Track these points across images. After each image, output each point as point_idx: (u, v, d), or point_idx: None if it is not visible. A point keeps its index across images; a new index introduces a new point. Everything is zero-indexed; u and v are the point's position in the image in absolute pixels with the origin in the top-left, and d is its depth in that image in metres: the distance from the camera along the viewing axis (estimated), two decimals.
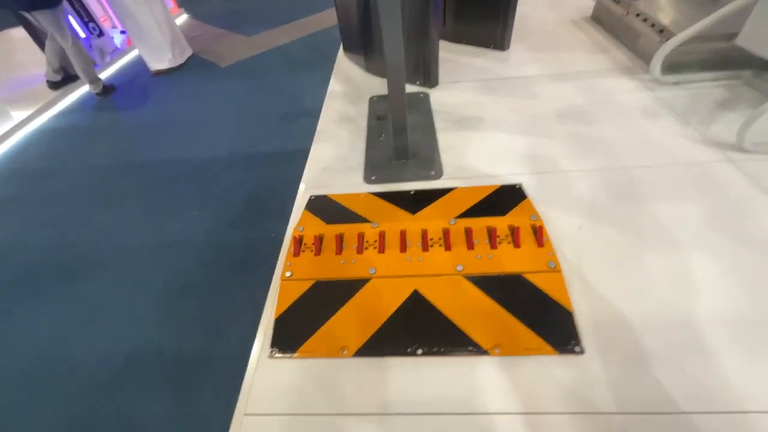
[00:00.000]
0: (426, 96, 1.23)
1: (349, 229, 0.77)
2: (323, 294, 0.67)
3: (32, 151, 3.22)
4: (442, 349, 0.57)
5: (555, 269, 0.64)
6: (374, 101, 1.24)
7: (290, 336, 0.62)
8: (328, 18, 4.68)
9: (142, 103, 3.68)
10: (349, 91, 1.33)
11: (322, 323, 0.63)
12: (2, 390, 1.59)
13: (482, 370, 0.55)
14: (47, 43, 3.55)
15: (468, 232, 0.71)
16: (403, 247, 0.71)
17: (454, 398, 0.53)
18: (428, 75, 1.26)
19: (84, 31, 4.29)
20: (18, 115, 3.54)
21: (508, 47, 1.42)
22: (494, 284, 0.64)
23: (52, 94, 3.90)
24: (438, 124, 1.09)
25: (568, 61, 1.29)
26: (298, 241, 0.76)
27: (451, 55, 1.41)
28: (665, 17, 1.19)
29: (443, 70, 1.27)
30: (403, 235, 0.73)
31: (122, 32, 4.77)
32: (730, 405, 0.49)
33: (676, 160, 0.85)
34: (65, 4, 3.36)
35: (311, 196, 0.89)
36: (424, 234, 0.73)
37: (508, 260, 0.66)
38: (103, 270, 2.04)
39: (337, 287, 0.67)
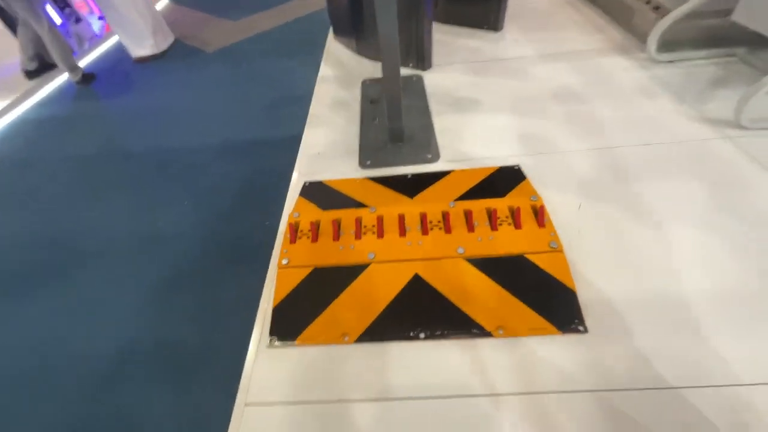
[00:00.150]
0: (420, 78, 1.20)
1: (347, 215, 0.75)
2: (322, 280, 0.66)
3: (10, 144, 3.11)
4: (445, 333, 0.57)
5: (557, 249, 0.63)
6: (367, 85, 1.21)
7: (289, 324, 0.61)
8: (317, 1, 4.55)
9: (125, 91, 3.56)
10: (340, 75, 1.30)
11: (322, 310, 0.62)
12: None
13: (486, 352, 0.55)
14: (19, 29, 3.40)
15: (468, 215, 0.69)
16: (402, 231, 0.70)
17: (459, 381, 0.53)
18: (422, 57, 1.23)
19: (60, 17, 4.11)
20: None
21: (502, 28, 1.39)
22: (496, 266, 0.63)
23: (29, 83, 3.76)
24: (433, 106, 1.07)
25: (563, 40, 1.27)
26: (294, 228, 0.74)
27: (444, 37, 1.38)
28: None
29: (436, 52, 1.24)
30: (401, 219, 0.72)
31: (100, 18, 4.58)
32: (742, 377, 0.49)
33: (674, 138, 0.84)
34: None
35: (306, 183, 0.87)
36: (423, 217, 0.71)
37: (509, 241, 0.65)
38: (93, 265, 1.99)
39: (336, 273, 0.66)
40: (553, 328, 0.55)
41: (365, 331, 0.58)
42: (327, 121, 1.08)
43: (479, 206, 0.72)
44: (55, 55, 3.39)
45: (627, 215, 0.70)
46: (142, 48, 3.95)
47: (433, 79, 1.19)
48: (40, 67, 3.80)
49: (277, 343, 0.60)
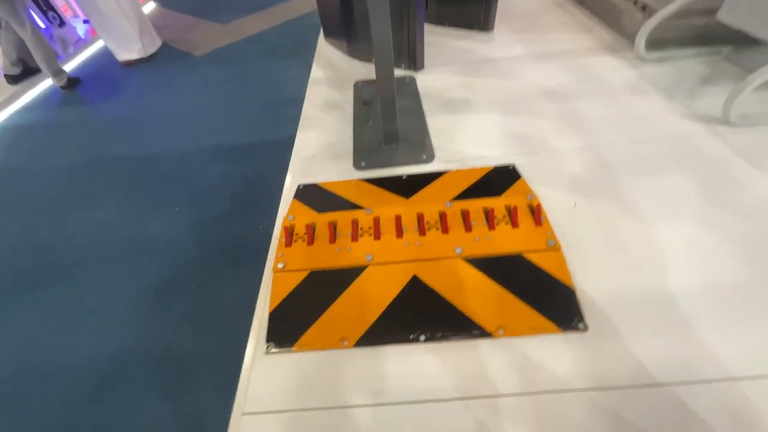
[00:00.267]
0: (412, 79, 1.20)
1: (342, 217, 0.74)
2: (319, 284, 0.65)
3: None
4: (446, 334, 0.56)
5: (555, 247, 0.63)
6: (359, 86, 1.21)
7: (286, 329, 0.60)
8: (306, 3, 4.54)
9: (112, 95, 3.50)
10: (332, 77, 1.29)
11: (320, 314, 0.60)
12: None
13: (488, 353, 0.54)
14: (1, 33, 3.32)
15: (465, 214, 0.69)
16: (400, 233, 0.69)
17: (461, 383, 0.52)
18: (413, 58, 1.22)
19: (43, 21, 4.03)
20: None
21: (492, 29, 1.40)
22: (495, 265, 0.63)
23: (12, 89, 3.67)
24: (426, 107, 1.07)
25: (552, 41, 1.29)
26: (289, 231, 0.73)
27: (435, 38, 1.38)
28: None
29: (428, 53, 1.24)
30: (398, 220, 0.71)
31: (85, 21, 4.51)
32: (747, 369, 0.49)
33: (666, 135, 0.86)
34: None
35: (300, 185, 0.86)
36: (420, 218, 0.71)
37: (507, 241, 0.65)
38: (81, 272, 1.95)
39: (334, 276, 0.65)
40: (553, 327, 0.55)
41: (364, 335, 0.57)
42: (320, 123, 1.07)
43: (476, 206, 0.71)
44: (38, 59, 3.32)
45: (621, 212, 0.70)
46: (129, 52, 3.89)
47: (425, 80, 1.19)
48: (24, 71, 3.72)
49: (274, 349, 0.58)
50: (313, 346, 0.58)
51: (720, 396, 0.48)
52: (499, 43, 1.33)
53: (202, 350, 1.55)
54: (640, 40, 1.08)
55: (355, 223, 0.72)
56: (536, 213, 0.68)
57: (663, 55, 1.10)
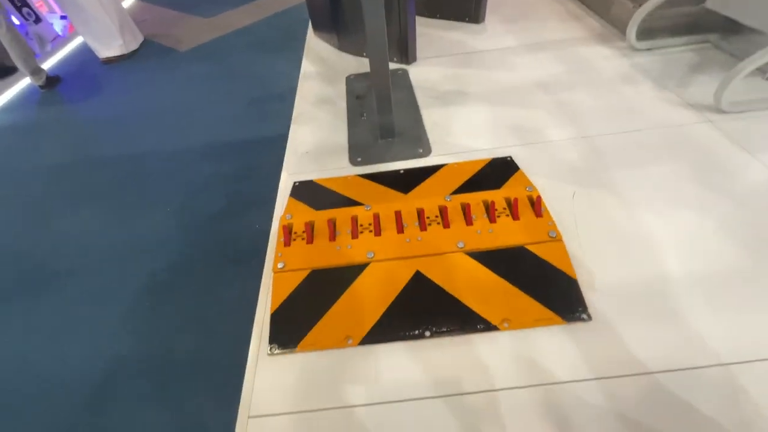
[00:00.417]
0: (405, 72, 1.19)
1: (341, 214, 0.73)
2: (321, 283, 0.64)
3: None
4: (451, 329, 0.56)
5: (556, 238, 0.63)
6: (351, 80, 1.19)
7: (289, 330, 0.59)
8: None
9: (94, 94, 3.39)
10: (323, 71, 1.27)
11: (323, 314, 0.60)
12: None
13: (493, 346, 0.54)
14: None
15: (465, 208, 0.69)
16: (400, 228, 0.68)
17: (468, 377, 0.52)
18: (405, 51, 1.21)
19: (17, 18, 3.88)
20: None
21: (483, 20, 1.39)
22: (497, 258, 0.62)
23: None
24: (420, 100, 1.06)
25: (543, 31, 1.28)
26: (288, 230, 0.72)
27: (425, 30, 1.37)
28: None
29: (419, 46, 1.23)
30: (398, 215, 0.70)
31: (62, 17, 4.35)
32: (760, 353, 0.50)
33: (659, 123, 0.86)
34: None
35: (296, 183, 0.84)
36: (421, 213, 0.70)
37: (508, 233, 0.65)
38: (70, 279, 1.88)
39: (335, 275, 0.64)
40: (558, 318, 0.55)
41: (369, 333, 0.57)
42: (313, 118, 1.06)
43: (476, 199, 0.71)
44: (14, 57, 3.19)
45: (620, 200, 0.71)
46: (109, 48, 3.76)
47: (418, 73, 1.18)
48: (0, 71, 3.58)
49: (277, 350, 0.57)
50: (317, 346, 0.57)
51: (726, 381, 0.49)
52: (490, 34, 1.32)
53: (202, 354, 1.51)
54: (631, 30, 1.08)
55: (354, 220, 0.71)
56: (536, 205, 0.68)
57: (653, 44, 1.11)
